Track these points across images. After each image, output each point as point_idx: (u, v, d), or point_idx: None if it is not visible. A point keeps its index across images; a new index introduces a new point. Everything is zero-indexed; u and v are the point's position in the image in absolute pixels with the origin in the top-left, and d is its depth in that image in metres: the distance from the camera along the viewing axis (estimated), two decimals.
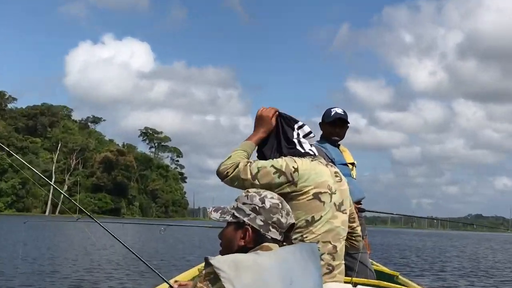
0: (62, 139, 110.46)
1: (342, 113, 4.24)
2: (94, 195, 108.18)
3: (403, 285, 4.34)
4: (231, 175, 2.70)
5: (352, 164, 4.39)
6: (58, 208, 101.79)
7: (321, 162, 2.82)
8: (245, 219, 2.12)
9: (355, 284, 2.86)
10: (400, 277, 5.02)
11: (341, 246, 2.84)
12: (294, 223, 2.20)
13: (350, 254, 3.70)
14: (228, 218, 2.17)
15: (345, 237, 2.87)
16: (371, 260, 4.79)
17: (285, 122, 2.89)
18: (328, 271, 2.76)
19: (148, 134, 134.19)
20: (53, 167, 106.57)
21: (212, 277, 1.90)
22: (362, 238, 3.52)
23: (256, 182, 2.66)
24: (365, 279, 3.70)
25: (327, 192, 2.75)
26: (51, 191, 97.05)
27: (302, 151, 2.84)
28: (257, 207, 2.13)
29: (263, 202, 2.14)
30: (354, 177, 4.36)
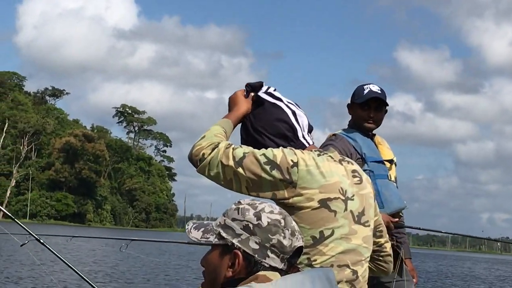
0: (10, 118, 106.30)
1: (379, 91, 4.18)
2: (51, 194, 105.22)
3: None
4: (208, 157, 2.51)
5: (391, 161, 4.35)
6: (3, 207, 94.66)
7: (331, 157, 2.63)
8: (235, 241, 1.92)
9: None
10: None
11: (363, 271, 2.67)
12: (301, 246, 1.99)
13: (381, 283, 3.81)
14: (213, 239, 1.97)
15: (368, 259, 2.71)
16: None
17: (273, 98, 2.76)
18: None
19: (126, 114, 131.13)
20: None
21: None
22: (404, 261, 3.61)
23: (240, 170, 2.48)
24: None
25: (339, 197, 2.57)
26: None
27: (305, 143, 2.73)
28: (250, 225, 1.93)
29: (259, 218, 1.93)
30: (393, 179, 4.32)
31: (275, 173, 2.45)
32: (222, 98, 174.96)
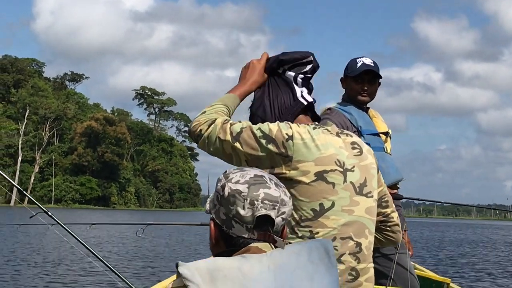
0: (31, 104, 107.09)
1: (372, 64, 4.29)
2: (75, 178, 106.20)
3: None
4: (205, 133, 2.59)
5: (386, 134, 4.47)
6: (28, 193, 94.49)
7: (327, 130, 2.68)
8: (212, 212, 2.00)
9: None
10: (452, 285, 5.35)
11: (367, 243, 2.69)
12: (267, 215, 1.95)
13: (384, 255, 3.94)
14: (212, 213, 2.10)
15: (373, 231, 2.74)
16: (414, 263, 5.04)
17: (284, 75, 2.80)
18: (351, 278, 2.63)
19: (146, 96, 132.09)
20: (20, 141, 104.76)
21: None
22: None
23: (238, 145, 2.55)
24: None
25: (336, 169, 2.60)
26: (17, 174, 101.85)
27: (303, 101, 2.78)
28: (219, 196, 1.98)
29: (223, 189, 1.97)
30: (389, 151, 4.42)
31: (271, 146, 2.48)
32: None
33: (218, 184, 1.97)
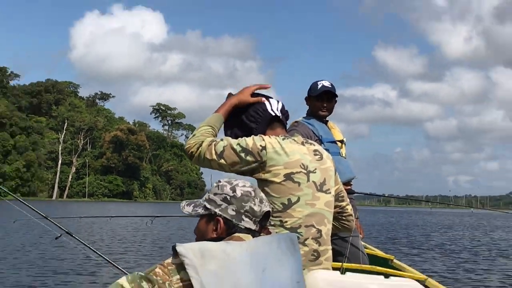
0: (69, 118, 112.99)
1: (330, 86, 4.36)
2: (104, 177, 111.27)
3: (398, 270, 4.51)
4: (196, 154, 2.77)
5: (342, 141, 4.52)
6: (66, 192, 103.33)
7: (294, 140, 2.83)
8: (217, 210, 2.22)
9: (344, 271, 2.75)
10: (395, 261, 5.26)
11: (326, 230, 2.84)
12: (269, 211, 2.29)
13: (340, 238, 3.99)
14: (200, 210, 2.28)
15: (331, 220, 2.88)
16: (364, 244, 5.08)
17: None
18: (313, 257, 2.77)
19: (161, 111, 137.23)
20: (60, 148, 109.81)
21: (175, 266, 2.01)
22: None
23: (222, 161, 2.72)
24: (356, 264, 3.91)
25: (301, 171, 2.75)
26: (58, 174, 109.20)
27: (272, 113, 2.91)
28: (228, 197, 2.23)
29: (234, 191, 2.24)
30: (344, 155, 4.48)
31: (249, 157, 2.67)
32: None
33: (225, 189, 2.22)
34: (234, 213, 2.19)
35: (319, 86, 4.37)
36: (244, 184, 2.25)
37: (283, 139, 2.78)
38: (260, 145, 2.70)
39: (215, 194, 2.25)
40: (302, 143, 2.84)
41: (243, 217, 2.20)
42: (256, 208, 2.21)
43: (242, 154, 2.69)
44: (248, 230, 2.18)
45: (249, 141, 2.72)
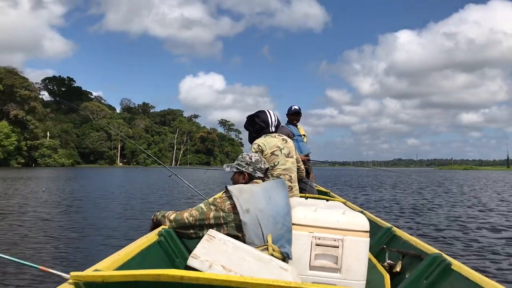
0: (179, 127, 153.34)
1: (298, 108, 6.65)
2: (197, 155, 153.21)
3: (332, 197, 6.29)
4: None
5: (304, 135, 6.58)
6: (178, 163, 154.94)
7: (272, 136, 4.33)
8: (243, 169, 3.32)
9: (306, 198, 3.85)
10: (331, 193, 7.23)
11: (294, 176, 4.35)
12: (268, 167, 3.39)
13: (304, 182, 5.97)
14: (234, 169, 3.42)
15: (296, 171, 4.41)
16: (316, 184, 7.05)
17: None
18: (289, 189, 4.18)
19: (223, 122, 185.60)
20: (175, 141, 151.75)
21: (227, 196, 3.00)
22: (309, 174, 5.83)
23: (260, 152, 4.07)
24: (312, 194, 5.55)
25: (277, 149, 4.28)
26: (174, 154, 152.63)
27: (271, 129, 4.50)
28: (248, 161, 3.34)
29: (250, 158, 3.38)
30: (305, 141, 6.57)
31: (261, 150, 4.29)
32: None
33: (246, 158, 3.34)
34: (252, 170, 3.30)
35: (292, 108, 6.68)
36: (255, 155, 3.40)
37: (265, 136, 4.36)
38: (258, 145, 4.30)
39: (241, 161, 3.39)
40: (275, 136, 4.39)
41: (257, 171, 3.30)
42: (262, 166, 3.33)
43: (259, 149, 4.33)
44: (260, 178, 3.27)
45: (256, 145, 4.32)
